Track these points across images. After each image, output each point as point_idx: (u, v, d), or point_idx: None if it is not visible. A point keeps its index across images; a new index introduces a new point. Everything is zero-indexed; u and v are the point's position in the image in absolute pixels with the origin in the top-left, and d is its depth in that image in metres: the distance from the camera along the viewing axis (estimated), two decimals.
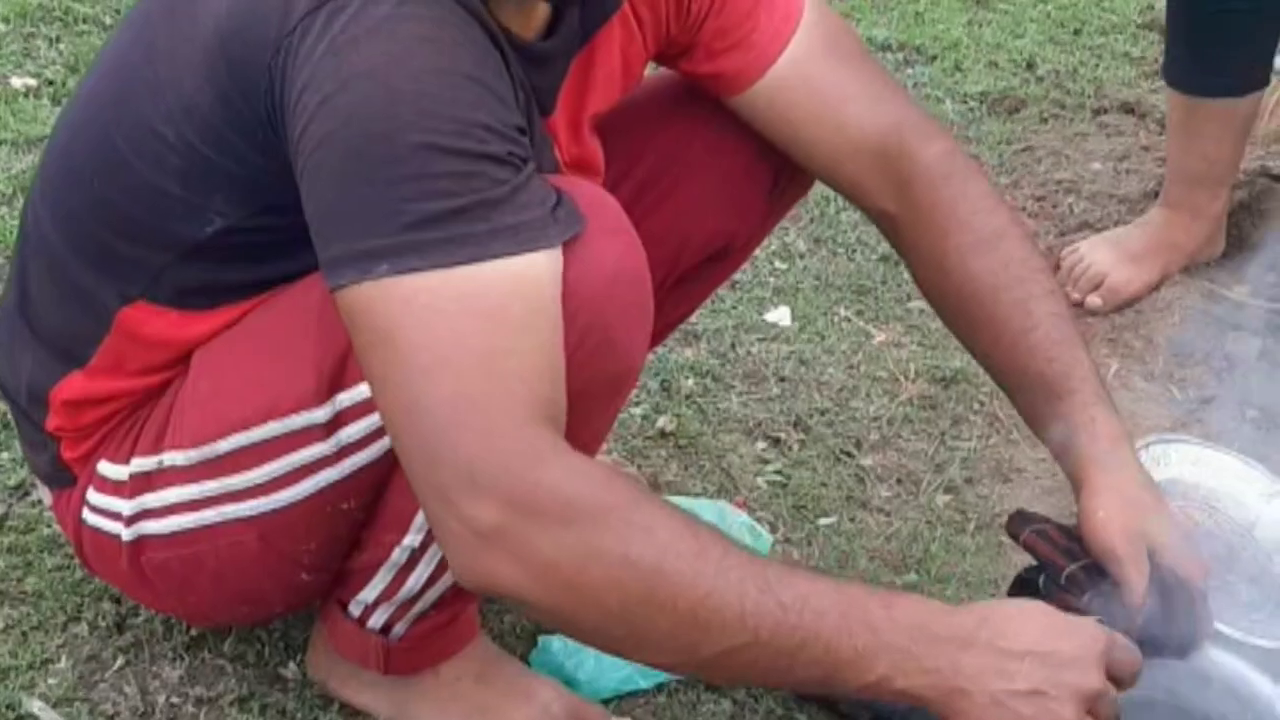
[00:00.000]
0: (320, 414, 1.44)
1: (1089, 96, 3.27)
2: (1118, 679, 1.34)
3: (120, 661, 1.74)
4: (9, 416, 2.00)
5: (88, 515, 1.57)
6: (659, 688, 1.81)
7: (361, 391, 1.41)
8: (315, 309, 1.41)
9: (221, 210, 1.40)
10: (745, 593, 1.24)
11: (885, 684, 1.28)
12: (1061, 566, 1.55)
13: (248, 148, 1.35)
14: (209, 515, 1.50)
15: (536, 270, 1.26)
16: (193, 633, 1.77)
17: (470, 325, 1.22)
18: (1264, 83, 2.59)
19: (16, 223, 2.34)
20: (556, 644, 1.81)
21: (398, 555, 1.52)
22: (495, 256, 1.23)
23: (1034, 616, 1.36)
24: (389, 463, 1.44)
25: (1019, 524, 1.63)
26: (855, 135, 1.67)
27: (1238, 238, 2.75)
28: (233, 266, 1.45)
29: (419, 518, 1.48)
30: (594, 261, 1.32)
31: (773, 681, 1.34)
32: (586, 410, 1.32)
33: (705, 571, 1.24)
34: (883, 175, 1.69)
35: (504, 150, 1.25)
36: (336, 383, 1.43)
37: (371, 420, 1.42)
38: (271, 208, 1.38)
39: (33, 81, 2.82)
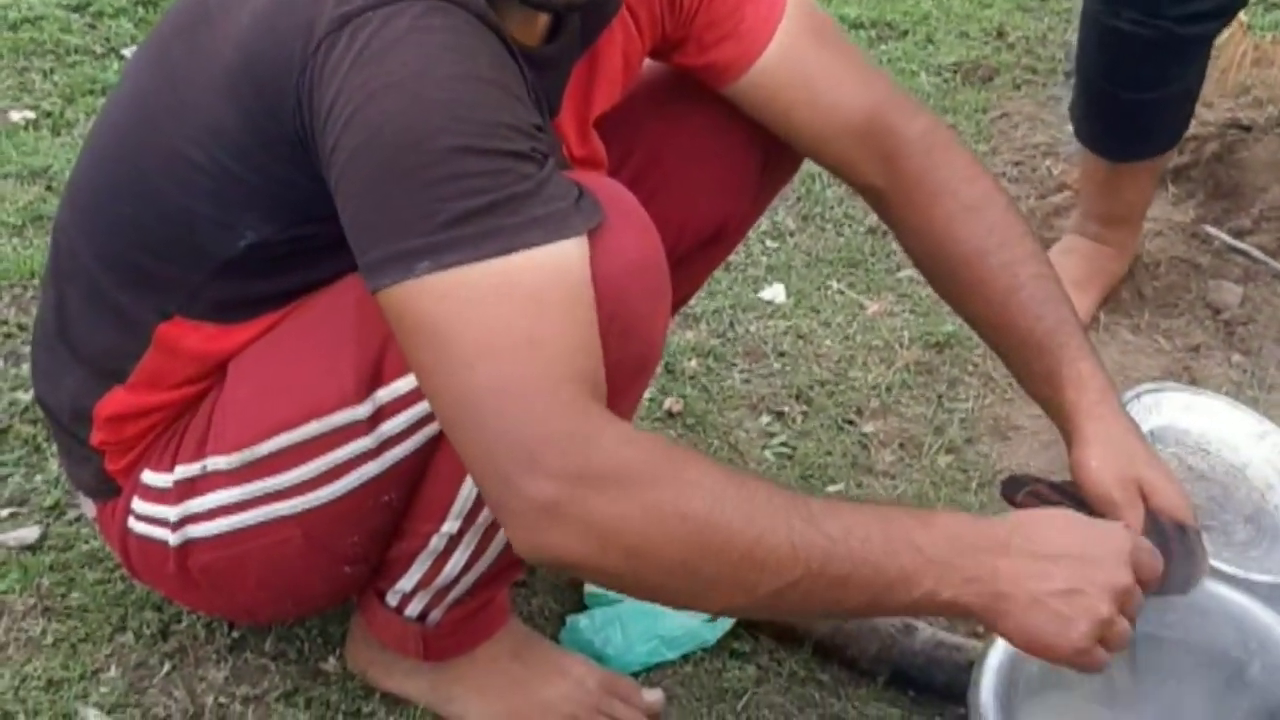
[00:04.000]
0: (361, 410, 1.50)
1: (1060, 60, 3.34)
2: (1141, 579, 1.41)
3: (167, 667, 1.80)
4: (39, 440, 2.09)
5: (134, 524, 1.64)
6: (685, 658, 1.89)
7: (399, 387, 1.48)
8: (349, 310, 1.47)
9: (253, 225, 1.46)
10: (793, 529, 1.31)
11: (931, 598, 1.35)
12: None
13: (276, 164, 1.41)
14: (254, 515, 1.56)
15: (567, 257, 1.32)
16: (234, 634, 1.84)
17: (510, 312, 1.28)
18: (1185, 129, 2.58)
19: (28, 252, 2.45)
20: (584, 622, 1.88)
21: (435, 543, 1.58)
22: (528, 246, 1.29)
23: (1063, 520, 1.44)
24: (427, 453, 1.51)
25: (1012, 488, 1.69)
26: (843, 116, 1.74)
27: (1215, 189, 2.82)
28: (266, 278, 1.51)
29: (455, 506, 1.55)
30: (615, 250, 1.39)
31: (828, 611, 1.42)
32: (614, 392, 1.38)
33: (755, 514, 1.30)
34: (869, 152, 1.75)
35: (528, 147, 1.32)
36: (376, 380, 1.49)
37: (410, 414, 1.49)
38: (301, 219, 1.44)
39: (31, 114, 2.87)
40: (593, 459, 1.28)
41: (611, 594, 1.89)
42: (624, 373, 1.46)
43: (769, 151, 1.82)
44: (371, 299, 1.33)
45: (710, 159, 1.81)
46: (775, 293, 2.60)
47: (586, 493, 1.27)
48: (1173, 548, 1.58)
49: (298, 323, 1.54)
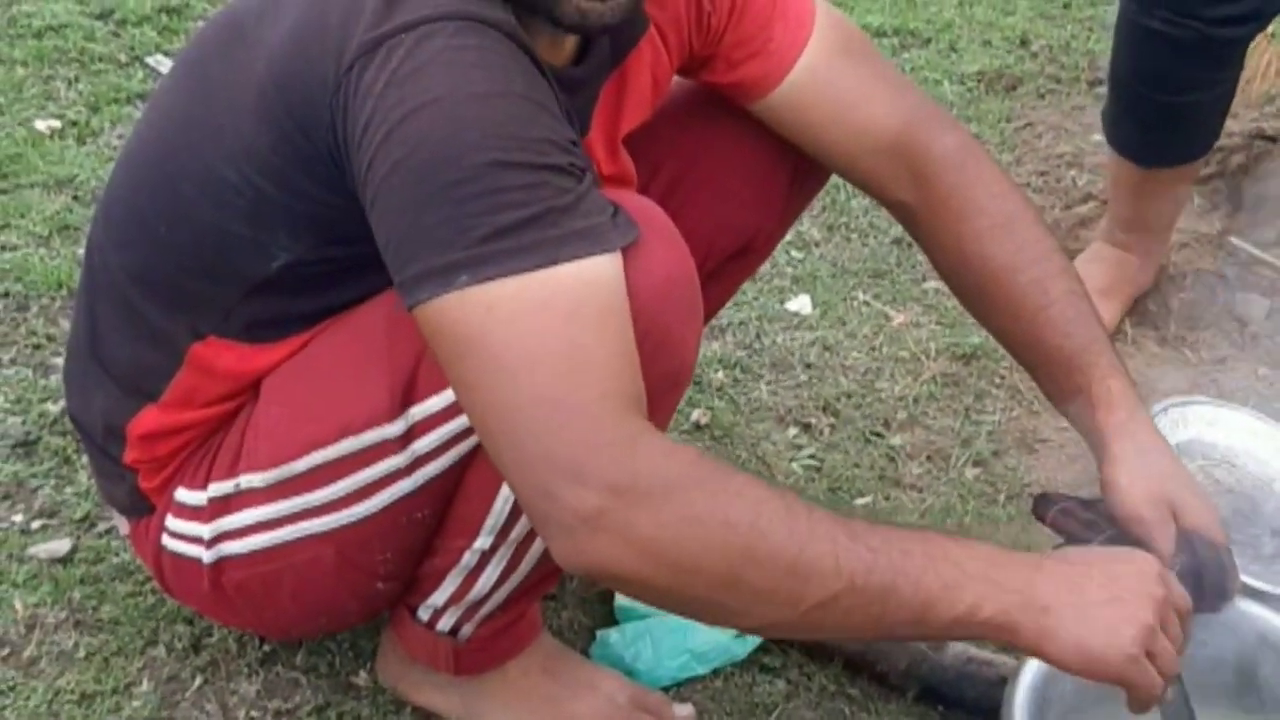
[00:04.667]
0: (394, 429, 1.50)
1: (1083, 69, 3.34)
2: (1175, 606, 1.40)
3: (199, 681, 1.81)
4: (69, 453, 2.10)
5: (167, 541, 1.64)
6: (715, 673, 1.89)
7: (433, 405, 1.48)
8: (382, 328, 1.48)
9: (286, 245, 1.47)
10: (836, 541, 1.31)
11: (973, 614, 1.33)
12: (1089, 541, 1.62)
13: (310, 183, 1.41)
14: (287, 533, 1.57)
15: (605, 271, 1.32)
16: (266, 648, 1.84)
17: (552, 325, 1.28)
18: (1215, 139, 2.57)
19: (55, 262, 2.46)
20: (615, 636, 1.88)
21: (467, 559, 1.59)
22: (568, 260, 1.29)
23: (1088, 549, 1.46)
24: (459, 470, 1.52)
25: (1043, 506, 1.69)
26: (872, 133, 1.74)
27: (1240, 201, 2.82)
28: (299, 298, 1.52)
29: (488, 522, 1.55)
30: (648, 266, 1.39)
31: (869, 630, 1.38)
32: (648, 408, 1.38)
33: (798, 526, 1.30)
34: (898, 168, 1.76)
35: (565, 161, 1.32)
36: (409, 397, 1.49)
37: (442, 431, 1.49)
38: (334, 239, 1.45)
39: (56, 123, 2.88)
40: (636, 470, 1.28)
41: (642, 608, 1.89)
42: (657, 388, 1.46)
43: (797, 166, 1.83)
44: (404, 316, 1.34)
45: (738, 174, 1.82)
46: (801, 304, 2.60)
47: (630, 504, 1.27)
48: (1204, 566, 1.58)
49: (330, 341, 1.54)
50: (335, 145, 1.36)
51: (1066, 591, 1.36)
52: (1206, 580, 1.58)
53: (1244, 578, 1.72)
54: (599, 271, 1.32)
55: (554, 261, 1.29)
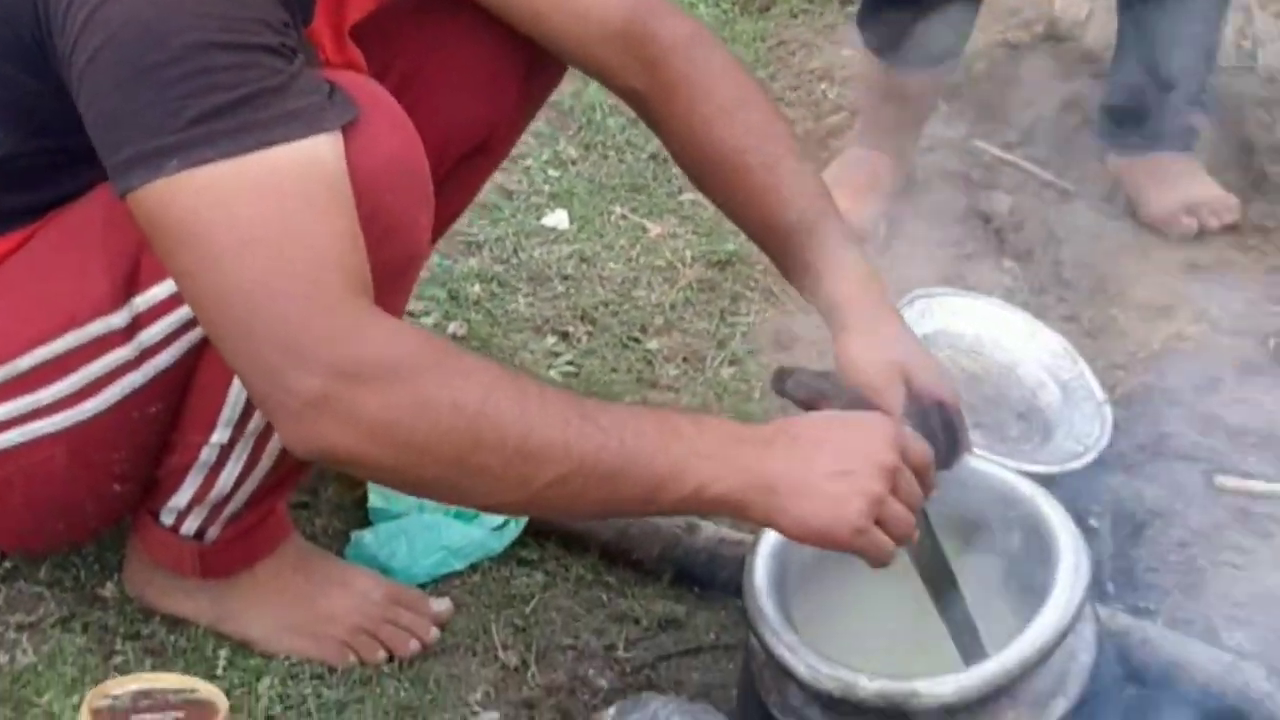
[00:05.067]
0: (118, 319, 1.48)
1: None
2: (912, 463, 1.44)
3: None
4: None
5: None
6: (473, 568, 1.90)
7: (157, 294, 1.46)
8: (101, 219, 1.45)
9: None
10: (568, 422, 1.32)
11: (702, 492, 1.36)
12: (823, 406, 1.66)
13: (16, 71, 1.38)
14: (16, 435, 1.54)
15: (323, 151, 1.31)
16: (7, 564, 1.81)
17: (268, 206, 1.27)
18: (964, 44, 2.64)
19: None
20: (369, 537, 1.88)
21: (206, 455, 1.57)
22: (282, 141, 1.28)
23: (825, 417, 1.48)
24: (190, 362, 1.50)
25: (779, 380, 1.71)
26: (599, 21, 1.74)
27: (985, 106, 2.90)
28: (13, 192, 1.49)
29: (224, 414, 1.54)
30: (372, 148, 1.38)
31: (605, 509, 1.42)
32: (379, 290, 1.36)
33: (528, 408, 1.31)
34: (629, 56, 1.75)
35: (276, 41, 1.31)
36: (131, 286, 1.47)
37: (169, 321, 1.48)
38: (46, 129, 1.42)
39: None
40: (360, 352, 1.27)
41: (395, 508, 1.89)
42: (383, 277, 1.44)
43: (531, 59, 1.82)
44: (123, 205, 1.32)
45: (471, 68, 1.81)
46: (558, 219, 2.61)
47: (355, 386, 1.27)
48: (933, 425, 1.62)
49: (49, 235, 1.51)
50: (38, 29, 1.34)
51: (795, 467, 1.39)
52: (936, 439, 1.62)
53: (991, 457, 1.77)
54: (315, 152, 1.31)
55: (267, 144, 1.28)
